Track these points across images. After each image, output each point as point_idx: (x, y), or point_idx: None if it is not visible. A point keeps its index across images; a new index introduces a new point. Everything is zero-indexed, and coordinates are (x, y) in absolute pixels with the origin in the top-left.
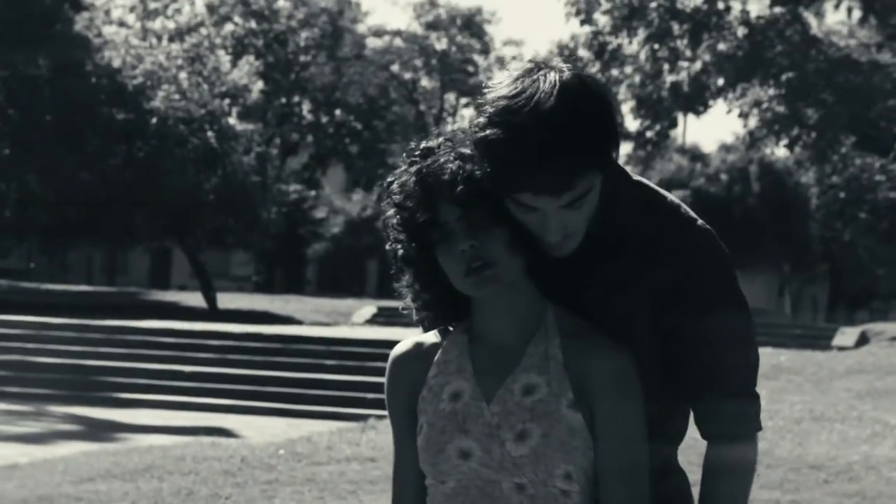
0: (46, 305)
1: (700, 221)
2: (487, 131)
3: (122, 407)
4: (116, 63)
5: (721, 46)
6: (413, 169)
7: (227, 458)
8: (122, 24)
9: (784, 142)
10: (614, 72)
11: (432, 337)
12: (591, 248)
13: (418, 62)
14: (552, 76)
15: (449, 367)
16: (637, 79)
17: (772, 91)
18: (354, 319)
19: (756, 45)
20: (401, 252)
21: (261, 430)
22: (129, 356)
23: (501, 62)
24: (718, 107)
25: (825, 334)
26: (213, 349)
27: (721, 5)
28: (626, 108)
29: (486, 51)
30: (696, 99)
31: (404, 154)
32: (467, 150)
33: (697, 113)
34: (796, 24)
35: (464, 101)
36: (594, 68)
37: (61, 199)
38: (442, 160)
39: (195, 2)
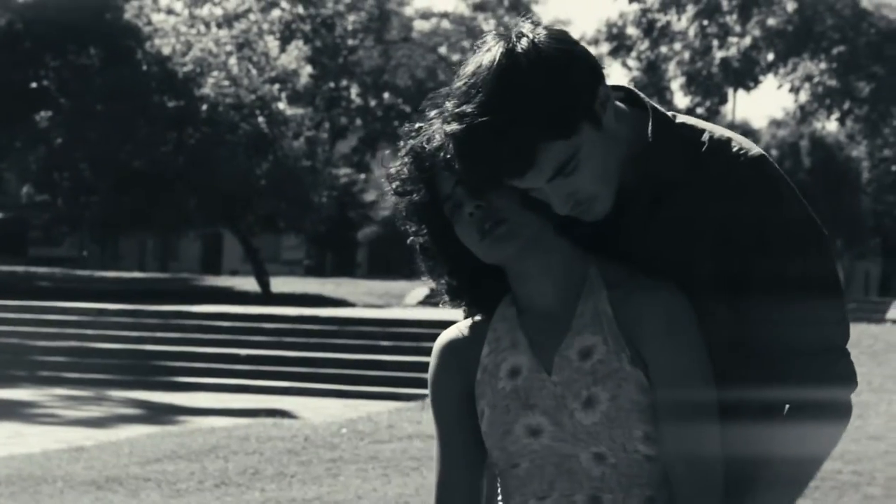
0: (101, 292)
1: (754, 151)
2: (447, 127)
3: (180, 390)
4: (166, 51)
5: (771, 21)
6: (405, 149)
7: (291, 438)
8: (170, 11)
9: (835, 116)
10: (663, 49)
11: (478, 319)
12: (639, 200)
13: (466, 44)
14: (493, 52)
15: (501, 344)
16: (686, 55)
17: (822, 65)
18: (407, 301)
19: (806, 20)
20: (420, 242)
21: (318, 412)
22: (185, 340)
23: None
24: (768, 82)
25: (879, 308)
26: (268, 332)
27: None
28: (676, 84)
29: None
30: (746, 74)
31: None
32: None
33: (748, 88)
34: None
35: None
36: (643, 45)
37: (114, 187)
38: (430, 130)
39: None
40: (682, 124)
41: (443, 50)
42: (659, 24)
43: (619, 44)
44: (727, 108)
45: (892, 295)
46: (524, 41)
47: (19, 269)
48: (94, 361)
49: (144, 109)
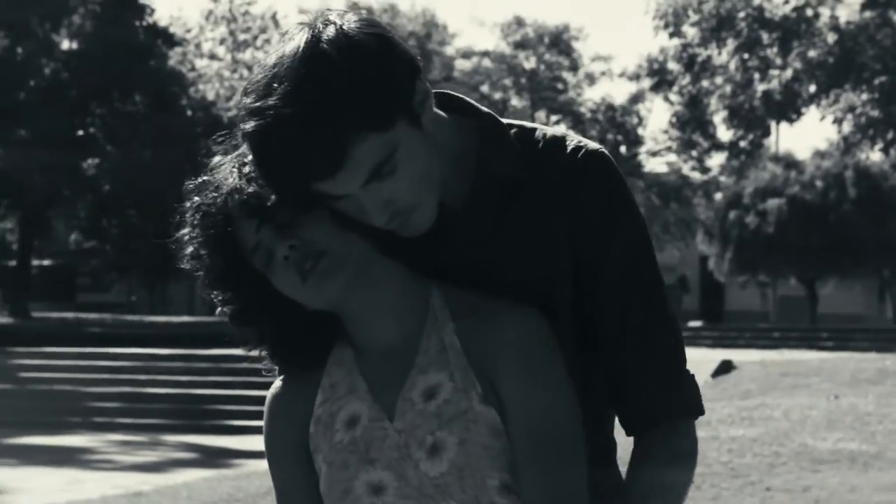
0: (151, 337)
1: (592, 146)
2: (245, 125)
3: (233, 434)
4: (210, 96)
5: (811, 53)
6: (190, 210)
7: None
8: (213, 56)
9: (879, 146)
10: (705, 83)
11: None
12: (477, 212)
13: (507, 82)
14: (297, 40)
15: (338, 391)
16: (728, 89)
17: (865, 96)
18: None
19: (847, 51)
20: (231, 310)
21: None
22: (237, 384)
23: (591, 78)
24: (811, 114)
25: None
26: None
27: (810, 12)
28: (719, 118)
29: (574, 67)
30: (788, 107)
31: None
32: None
33: (790, 121)
34: (886, 28)
35: (554, 118)
36: (684, 80)
37: (162, 232)
38: (215, 183)
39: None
40: (510, 124)
41: (484, 88)
42: (700, 59)
43: (661, 79)
44: (770, 141)
45: None
46: (331, 28)
47: (69, 315)
48: (148, 406)
49: (190, 155)
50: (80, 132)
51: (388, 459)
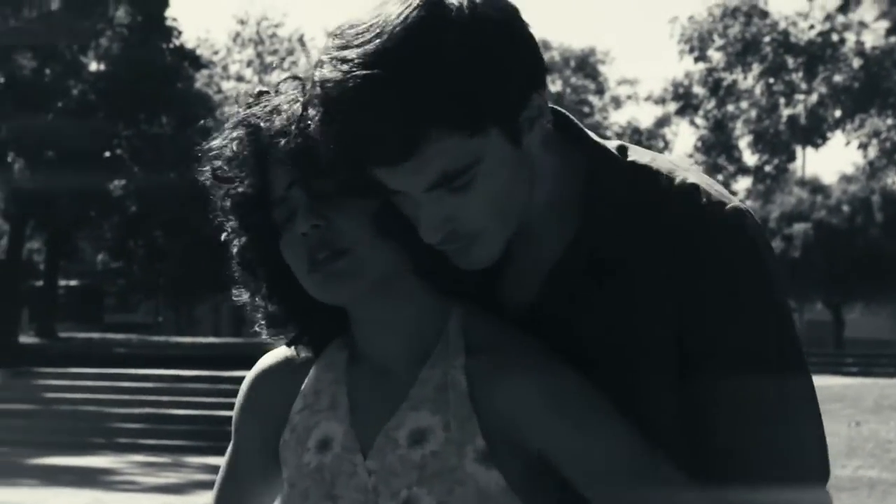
0: (177, 358)
1: (731, 204)
2: (319, 69)
3: None
4: None
5: (837, 78)
6: (236, 120)
7: None
8: (240, 79)
9: None
10: (730, 107)
11: (305, 354)
12: (556, 279)
13: None
14: (412, 3)
15: (320, 401)
16: (753, 114)
17: (890, 121)
18: None
19: (872, 76)
20: (238, 245)
21: None
22: None
23: (617, 102)
24: (837, 138)
25: None
26: None
27: (835, 37)
28: (744, 142)
29: (600, 91)
30: (813, 131)
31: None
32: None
33: (816, 145)
34: None
35: None
36: (710, 104)
37: (188, 253)
38: (275, 102)
39: (311, 54)
40: (633, 165)
41: None
42: (725, 83)
43: (686, 103)
44: (796, 165)
45: None
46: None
47: (95, 335)
48: (172, 428)
49: None
50: (107, 153)
51: (351, 500)
